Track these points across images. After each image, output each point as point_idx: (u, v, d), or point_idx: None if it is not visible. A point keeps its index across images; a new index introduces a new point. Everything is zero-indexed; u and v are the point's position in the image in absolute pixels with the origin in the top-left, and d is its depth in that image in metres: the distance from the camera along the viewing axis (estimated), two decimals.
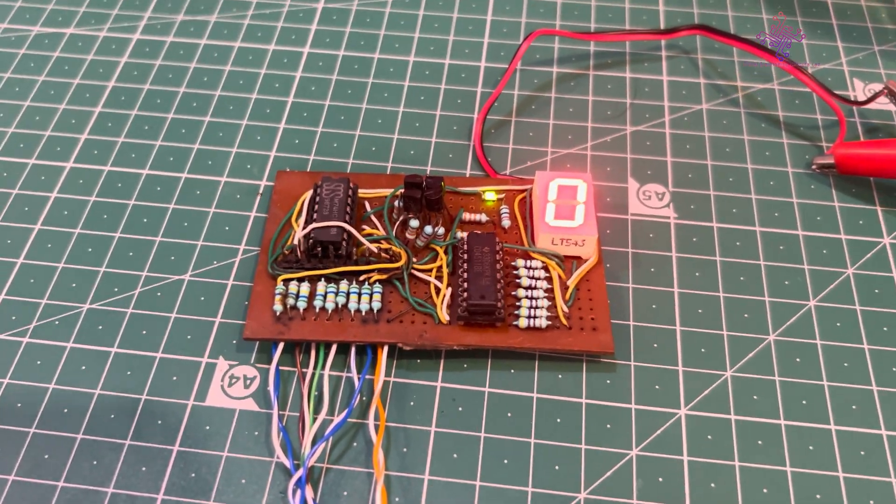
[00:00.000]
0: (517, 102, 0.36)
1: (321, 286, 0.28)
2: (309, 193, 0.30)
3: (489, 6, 0.40)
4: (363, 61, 0.37)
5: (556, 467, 0.26)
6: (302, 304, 0.28)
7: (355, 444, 0.26)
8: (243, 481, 0.25)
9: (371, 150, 0.34)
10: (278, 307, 0.28)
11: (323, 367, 0.27)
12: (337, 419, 0.26)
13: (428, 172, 0.33)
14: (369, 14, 0.39)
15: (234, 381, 0.27)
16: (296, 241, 0.29)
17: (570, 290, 0.28)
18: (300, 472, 0.25)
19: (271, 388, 0.27)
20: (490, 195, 0.31)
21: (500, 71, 0.37)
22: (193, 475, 0.25)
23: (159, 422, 0.26)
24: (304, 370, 0.27)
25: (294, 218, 0.30)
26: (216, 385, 0.27)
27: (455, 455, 0.26)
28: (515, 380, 0.27)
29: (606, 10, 0.39)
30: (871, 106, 0.35)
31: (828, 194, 0.33)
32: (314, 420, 0.26)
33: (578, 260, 0.29)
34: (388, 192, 0.31)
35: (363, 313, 0.28)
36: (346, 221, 0.28)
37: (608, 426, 0.26)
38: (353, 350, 0.27)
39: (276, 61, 0.37)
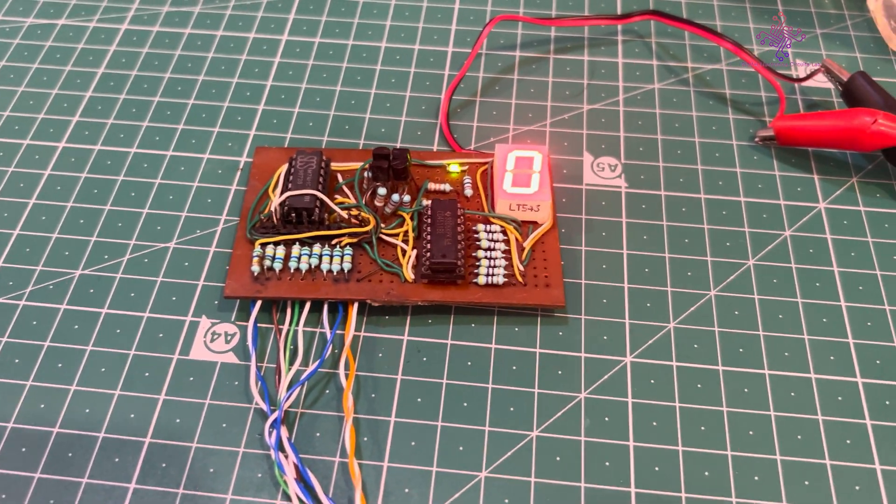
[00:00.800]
0: (482, 84, 0.38)
1: (296, 249, 0.30)
2: (285, 167, 0.32)
3: None
4: (338, 47, 0.40)
5: (511, 409, 0.28)
6: (278, 266, 0.30)
7: (327, 391, 0.28)
8: (224, 425, 0.27)
9: (344, 129, 0.36)
10: (256, 268, 0.30)
11: (298, 324, 0.29)
12: (311, 367, 0.28)
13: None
14: (344, 4, 0.42)
15: (216, 336, 0.30)
16: (272, 209, 0.31)
17: (525, 251, 0.31)
18: (276, 415, 0.27)
19: (250, 341, 0.29)
20: (454, 167, 0.33)
21: (466, 56, 0.39)
22: (178, 420, 0.28)
23: (146, 374, 0.29)
24: (281, 326, 0.29)
25: (271, 189, 0.32)
26: (199, 341, 0.29)
27: (419, 399, 0.28)
28: (475, 333, 0.30)
29: None
30: (812, 84, 0.38)
31: (769, 164, 0.35)
32: (289, 370, 0.28)
33: (535, 224, 0.32)
34: (359, 164, 0.33)
35: (335, 273, 0.30)
36: (318, 190, 0.31)
37: (559, 372, 0.29)
38: (325, 307, 0.30)
39: (255, 48, 0.39)
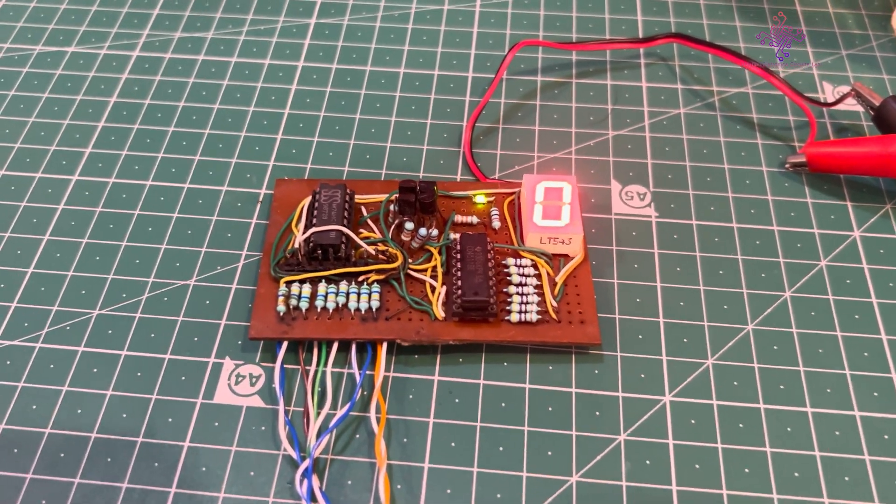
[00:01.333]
0: (504, 110, 0.37)
1: (322, 287, 0.29)
2: (308, 199, 0.32)
3: (475, 19, 0.41)
4: (355, 73, 0.39)
5: (549, 453, 0.27)
6: (304, 305, 0.29)
7: (358, 436, 0.27)
8: (252, 473, 0.26)
9: (366, 158, 0.35)
10: (282, 307, 0.29)
11: (325, 364, 0.29)
12: (340, 412, 0.27)
13: (420, 178, 0.34)
14: (360, 28, 0.41)
15: (240, 379, 0.29)
16: (297, 245, 0.30)
17: (558, 286, 0.30)
18: (307, 463, 0.26)
19: (277, 384, 0.28)
20: (480, 198, 0.33)
21: (486, 80, 0.38)
22: (204, 469, 0.27)
23: (170, 419, 0.28)
24: (308, 367, 0.29)
25: (294, 223, 0.31)
26: (223, 383, 0.29)
27: (453, 444, 0.27)
28: (508, 372, 0.29)
29: (587, 21, 0.41)
30: (841, 107, 0.37)
31: (801, 191, 0.34)
32: (318, 414, 0.27)
33: (566, 258, 0.31)
34: (383, 197, 0.32)
35: (363, 312, 0.29)
36: (344, 225, 0.30)
37: (597, 413, 0.28)
38: (353, 347, 0.29)
39: (271, 75, 0.39)
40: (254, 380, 0.29)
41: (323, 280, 0.30)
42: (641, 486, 0.26)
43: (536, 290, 0.30)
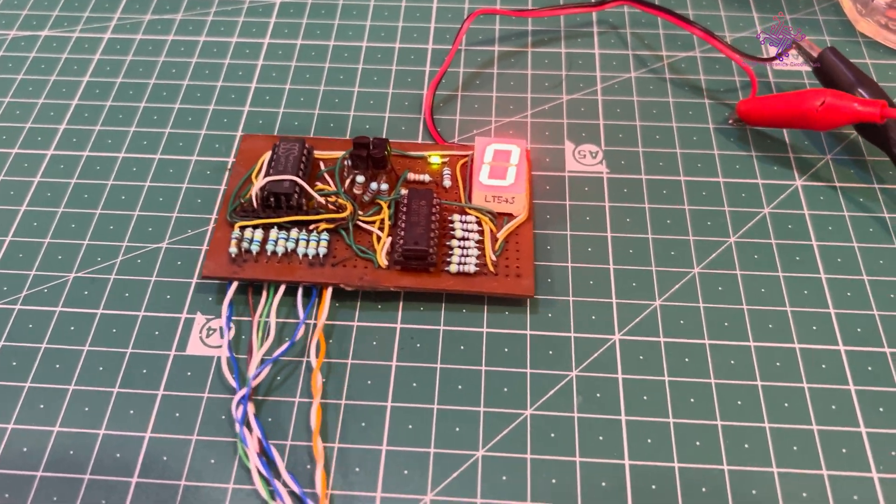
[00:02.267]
0: (463, 79, 0.39)
1: (273, 233, 0.31)
2: (269, 154, 0.33)
3: None
4: (320, 48, 0.40)
5: (505, 389, 0.29)
6: (255, 248, 0.31)
7: (299, 373, 0.29)
8: (223, 417, 0.28)
9: (329, 126, 0.37)
10: (234, 250, 0.31)
11: (272, 305, 0.30)
12: (283, 347, 0.29)
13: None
14: (324, 6, 0.42)
15: (211, 332, 0.30)
16: (254, 194, 0.31)
17: (499, 242, 0.31)
18: (244, 391, 0.28)
19: (223, 320, 0.30)
20: (435, 159, 0.34)
21: (446, 52, 0.40)
22: (178, 415, 0.28)
23: (144, 371, 0.29)
24: (258, 309, 0.30)
25: (255, 175, 0.33)
26: (195, 337, 0.30)
27: (414, 384, 0.29)
28: (467, 318, 0.30)
29: None
30: (786, 67, 0.39)
31: (745, 146, 0.36)
32: (261, 346, 0.29)
33: (510, 216, 0.32)
34: (342, 153, 0.33)
35: (310, 257, 0.31)
36: (299, 177, 0.31)
37: (550, 352, 0.30)
38: (300, 290, 0.30)
39: (238, 52, 0.40)
40: (224, 332, 0.30)
41: (275, 227, 0.31)
42: (592, 416, 0.28)
43: (478, 245, 0.31)
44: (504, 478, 0.27)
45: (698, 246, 0.33)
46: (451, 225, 0.32)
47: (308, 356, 0.29)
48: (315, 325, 0.30)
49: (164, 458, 0.27)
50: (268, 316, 0.30)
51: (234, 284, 0.30)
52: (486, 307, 0.31)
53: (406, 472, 0.27)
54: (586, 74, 0.39)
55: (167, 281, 0.31)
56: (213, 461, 0.27)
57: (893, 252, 0.32)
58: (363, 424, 0.28)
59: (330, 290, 0.30)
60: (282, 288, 0.30)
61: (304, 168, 0.32)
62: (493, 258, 0.31)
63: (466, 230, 0.32)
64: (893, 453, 0.27)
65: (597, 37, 0.41)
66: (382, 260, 0.31)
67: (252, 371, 0.28)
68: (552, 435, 0.28)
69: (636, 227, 0.33)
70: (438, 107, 0.38)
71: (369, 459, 0.27)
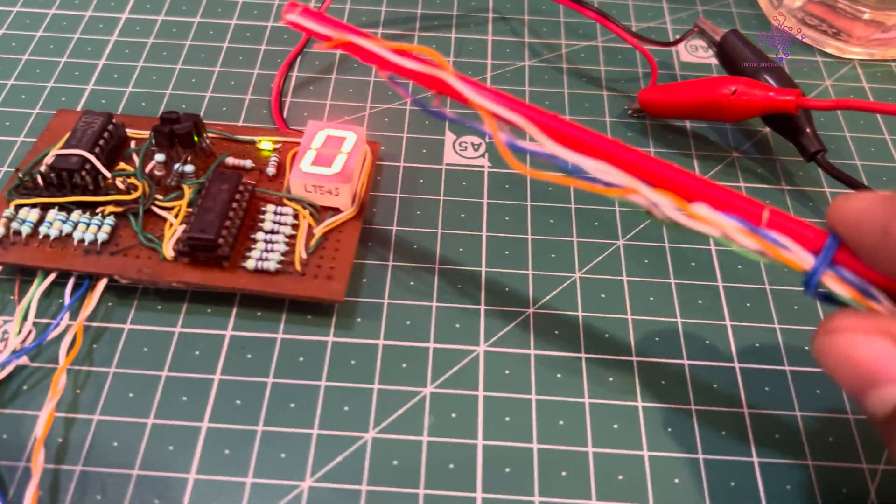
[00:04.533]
0: (339, 60, 0.35)
1: (51, 214, 0.27)
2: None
3: None
4: (182, 25, 0.36)
5: (346, 408, 0.25)
6: (25, 229, 0.26)
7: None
8: None
9: (182, 108, 0.32)
10: (1, 230, 0.26)
11: (35, 295, 0.26)
12: (28, 344, 0.25)
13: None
14: None
15: None
16: (39, 170, 0.27)
17: (315, 238, 0.27)
18: None
19: None
20: (266, 145, 0.30)
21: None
22: None
23: None
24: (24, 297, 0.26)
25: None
26: None
27: (238, 401, 0.24)
28: (310, 325, 0.26)
29: None
30: (693, 60, 0.36)
31: (644, 141, 0.33)
32: (18, 334, 0.25)
33: (337, 211, 0.28)
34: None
35: (86, 243, 0.26)
36: (94, 153, 0.27)
37: (403, 365, 0.26)
38: (72, 280, 0.26)
39: (91, 27, 0.36)
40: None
41: (56, 207, 0.27)
42: (448, 392, 0.24)
43: (287, 240, 0.27)
44: None
45: (582, 249, 0.29)
46: (261, 216, 0.28)
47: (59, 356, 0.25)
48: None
49: None
50: (28, 305, 0.25)
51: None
52: (335, 313, 0.27)
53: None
54: (476, 62, 0.35)
55: None
56: None
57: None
58: (115, 444, 0.23)
59: (103, 282, 0.26)
60: (51, 276, 0.26)
61: (102, 144, 0.28)
62: (304, 256, 0.27)
63: (278, 223, 0.27)
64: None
65: (491, 24, 0.37)
66: (168, 251, 0.26)
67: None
68: (454, 414, 0.24)
69: (515, 226, 0.29)
70: (307, 89, 0.34)
71: (116, 484, 0.23)
